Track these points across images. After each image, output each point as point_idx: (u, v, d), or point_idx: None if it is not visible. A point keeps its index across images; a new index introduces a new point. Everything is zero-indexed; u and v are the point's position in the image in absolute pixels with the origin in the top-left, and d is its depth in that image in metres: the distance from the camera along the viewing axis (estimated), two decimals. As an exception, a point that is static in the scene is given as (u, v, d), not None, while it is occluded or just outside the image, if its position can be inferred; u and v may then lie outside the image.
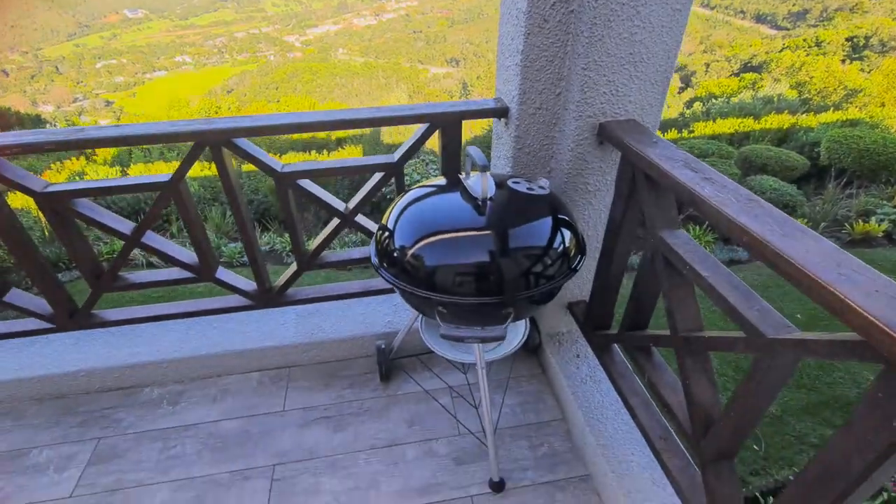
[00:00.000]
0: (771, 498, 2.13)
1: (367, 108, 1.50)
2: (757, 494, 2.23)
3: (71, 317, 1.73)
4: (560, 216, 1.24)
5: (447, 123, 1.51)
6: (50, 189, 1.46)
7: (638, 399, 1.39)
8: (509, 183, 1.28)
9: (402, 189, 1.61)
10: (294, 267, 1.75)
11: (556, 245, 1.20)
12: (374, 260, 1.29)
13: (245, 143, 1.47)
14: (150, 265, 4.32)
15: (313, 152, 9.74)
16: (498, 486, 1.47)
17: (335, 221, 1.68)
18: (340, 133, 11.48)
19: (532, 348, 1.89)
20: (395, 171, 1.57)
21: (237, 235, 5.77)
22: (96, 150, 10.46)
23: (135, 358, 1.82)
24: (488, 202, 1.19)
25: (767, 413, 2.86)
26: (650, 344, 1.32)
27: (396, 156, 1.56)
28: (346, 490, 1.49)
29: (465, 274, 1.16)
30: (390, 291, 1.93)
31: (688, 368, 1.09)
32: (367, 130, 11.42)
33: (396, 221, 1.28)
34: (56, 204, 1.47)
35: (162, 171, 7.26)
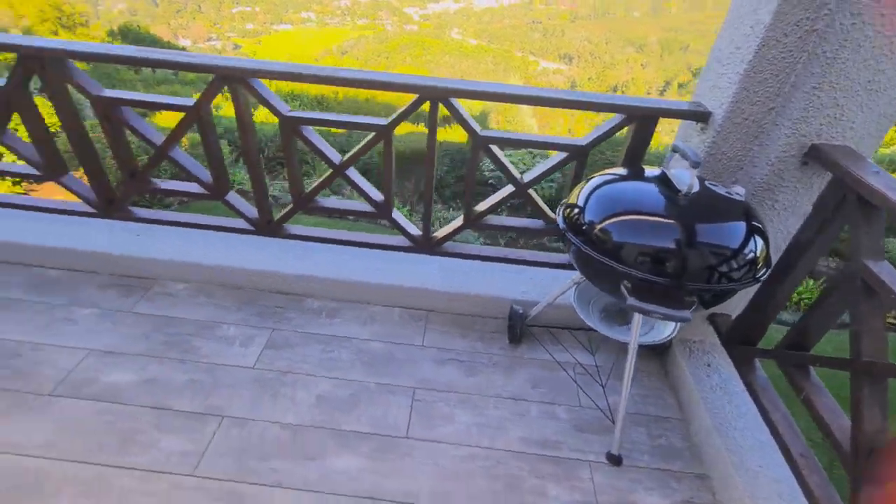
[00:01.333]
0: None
1: (563, 90, 1.62)
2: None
3: (268, 224, 2.05)
4: (754, 223, 1.29)
5: (642, 118, 1.60)
6: (293, 113, 1.73)
7: (779, 415, 1.43)
8: (707, 183, 1.35)
9: (581, 173, 1.72)
10: (460, 221, 1.94)
11: (746, 250, 1.26)
12: (563, 225, 1.42)
13: (456, 103, 1.65)
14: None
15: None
16: (616, 460, 1.58)
17: (509, 188, 1.83)
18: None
19: (659, 350, 1.95)
20: (580, 155, 1.69)
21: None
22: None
23: (305, 270, 2.11)
24: (689, 195, 1.28)
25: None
26: (813, 364, 1.35)
27: (586, 140, 1.67)
28: (477, 424, 1.67)
29: (654, 255, 1.26)
30: (531, 264, 2.07)
31: (864, 394, 1.13)
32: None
33: (587, 200, 1.40)
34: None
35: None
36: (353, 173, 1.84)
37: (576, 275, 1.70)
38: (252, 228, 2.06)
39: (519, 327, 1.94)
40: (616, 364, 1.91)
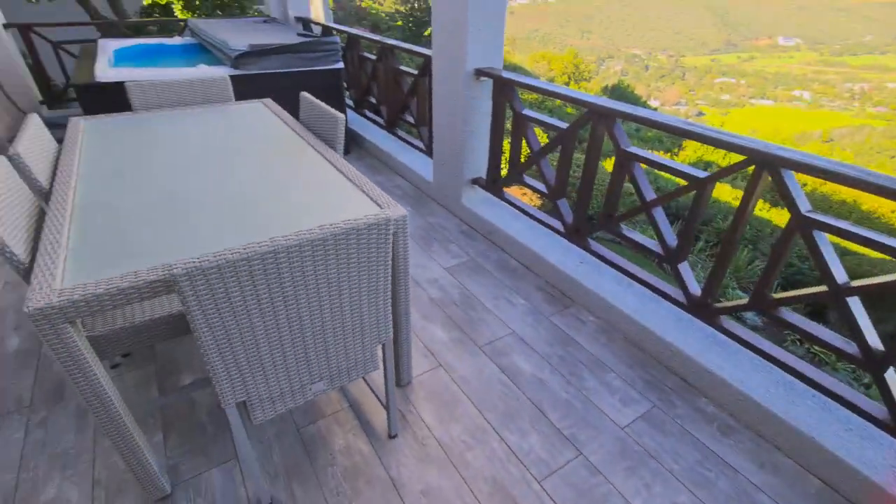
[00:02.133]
0: None
1: None
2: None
3: (704, 305, 1.94)
4: None
5: None
6: (812, 214, 1.53)
7: None
8: None
9: None
10: None
11: None
12: None
13: None
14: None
15: None
16: None
17: None
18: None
19: None
20: None
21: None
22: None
23: (713, 366, 1.88)
24: None
25: None
26: None
27: None
28: None
29: None
30: None
31: None
32: None
33: None
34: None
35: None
36: (855, 303, 1.47)
37: None
38: (685, 303, 2.00)
39: None
40: None
